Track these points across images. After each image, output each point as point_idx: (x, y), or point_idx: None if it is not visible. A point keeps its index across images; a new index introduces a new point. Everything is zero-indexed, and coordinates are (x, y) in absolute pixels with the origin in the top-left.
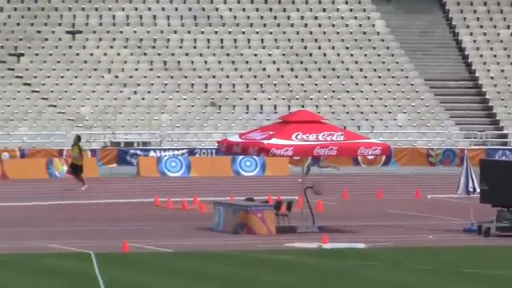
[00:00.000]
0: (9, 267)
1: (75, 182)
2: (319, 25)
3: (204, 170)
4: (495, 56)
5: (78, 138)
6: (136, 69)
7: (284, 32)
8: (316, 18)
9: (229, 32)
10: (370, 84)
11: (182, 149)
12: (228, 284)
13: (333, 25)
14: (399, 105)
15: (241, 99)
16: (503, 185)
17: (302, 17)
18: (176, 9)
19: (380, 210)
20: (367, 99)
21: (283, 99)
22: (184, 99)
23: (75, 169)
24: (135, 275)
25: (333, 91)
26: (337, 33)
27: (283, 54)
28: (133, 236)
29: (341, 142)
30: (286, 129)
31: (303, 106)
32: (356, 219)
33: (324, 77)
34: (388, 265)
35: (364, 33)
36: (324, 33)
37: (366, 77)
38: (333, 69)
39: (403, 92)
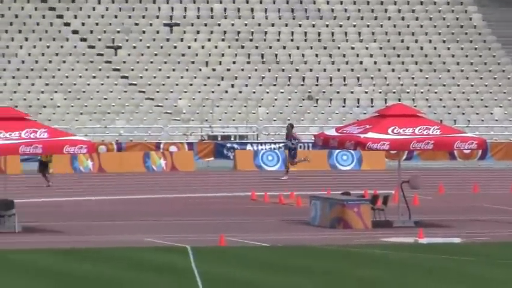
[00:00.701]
0: (105, 261)
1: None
2: (416, 18)
3: (300, 164)
4: None
5: None
6: (233, 62)
7: (381, 25)
8: (413, 11)
9: (327, 25)
10: (467, 78)
11: (279, 142)
12: (324, 278)
13: (430, 18)
14: (495, 99)
15: (338, 92)
16: None
17: (399, 10)
18: (274, 2)
19: (476, 205)
20: (463, 93)
21: (380, 92)
22: (282, 92)
23: (43, 166)
24: (231, 269)
25: (430, 85)
26: (434, 26)
27: (380, 48)
28: (230, 230)
29: (437, 136)
30: (383, 123)
31: (399, 100)
32: (452, 214)
33: (421, 70)
34: (484, 260)
35: (461, 26)
36: (421, 26)
37: (462, 70)
38: (430, 63)
39: (499, 85)
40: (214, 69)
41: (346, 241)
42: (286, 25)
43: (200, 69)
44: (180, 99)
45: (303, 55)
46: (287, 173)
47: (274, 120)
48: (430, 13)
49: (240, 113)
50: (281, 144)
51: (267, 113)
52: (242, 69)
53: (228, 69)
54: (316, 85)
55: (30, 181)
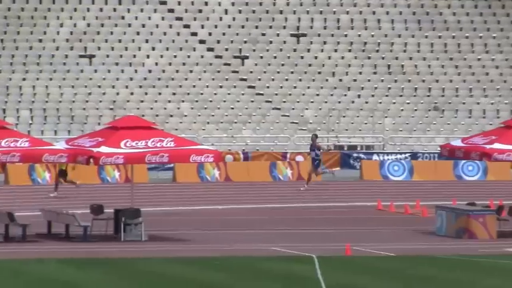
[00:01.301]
0: (231, 270)
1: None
2: None
3: (426, 174)
4: None
5: None
6: (360, 73)
7: (507, 37)
8: None
9: (453, 37)
10: None
11: (405, 152)
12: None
13: None
14: None
15: (464, 103)
16: None
17: None
18: (400, 13)
19: None
20: None
21: (506, 103)
22: (408, 103)
23: (63, 174)
24: (356, 279)
25: None
26: None
27: (506, 59)
28: (356, 239)
29: None
30: (508, 134)
31: None
32: None
33: None
34: None
35: None
36: None
37: None
38: None
39: None
40: (340, 80)
41: (471, 251)
42: (413, 36)
43: (327, 80)
44: (307, 109)
45: (429, 66)
46: (307, 184)
47: (400, 131)
48: None
49: (366, 123)
50: (407, 155)
51: (393, 124)
52: (368, 80)
53: (355, 80)
54: (442, 96)
55: (157, 190)
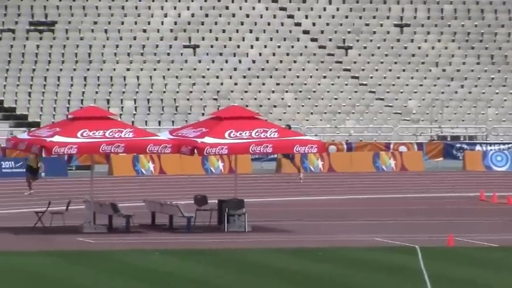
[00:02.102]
0: (334, 260)
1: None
2: None
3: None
4: None
5: None
6: (463, 63)
7: None
8: None
9: None
10: None
11: (508, 143)
12: None
13: None
14: None
15: None
16: None
17: None
18: (504, 3)
19: None
20: None
21: None
22: (511, 93)
23: (32, 172)
24: (460, 270)
25: None
26: None
27: None
28: (459, 230)
29: None
30: None
31: None
32: None
33: None
34: None
35: None
36: None
37: None
38: None
39: None
40: (444, 70)
41: None
42: None
43: (430, 70)
44: (410, 99)
45: None
46: (300, 173)
47: (504, 121)
48: None
49: (469, 114)
50: (510, 145)
51: (496, 114)
52: (472, 70)
53: (458, 70)
54: None
55: (260, 180)
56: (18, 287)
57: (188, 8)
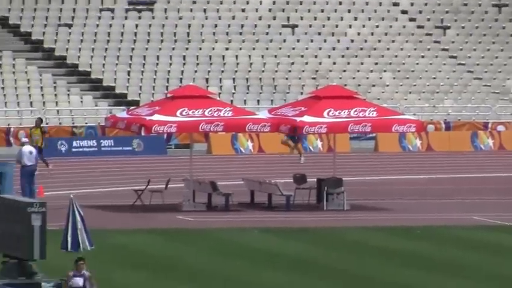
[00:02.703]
0: (430, 239)
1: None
2: None
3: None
4: None
5: (40, 121)
6: None
7: None
8: None
9: None
10: None
11: None
12: None
13: None
14: None
15: None
16: None
17: None
18: None
19: None
20: None
21: None
22: None
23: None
24: None
25: None
26: None
27: None
28: None
29: None
30: None
31: None
32: None
33: None
34: None
35: None
36: None
37: None
38: None
39: None
40: None
41: None
42: None
43: None
44: (508, 79)
45: None
46: (301, 156)
47: None
48: None
49: None
50: None
51: None
52: None
53: None
54: None
55: (358, 159)
56: (119, 264)
57: None
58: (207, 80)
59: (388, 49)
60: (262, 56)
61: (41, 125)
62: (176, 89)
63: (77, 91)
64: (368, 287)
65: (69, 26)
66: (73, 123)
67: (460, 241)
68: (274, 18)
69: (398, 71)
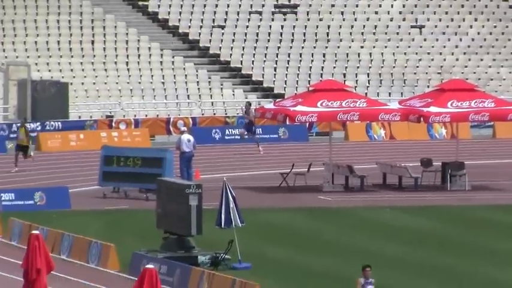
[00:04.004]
0: None
1: (15, 162)
2: None
3: None
4: None
5: (24, 120)
6: None
7: None
8: None
9: None
10: None
11: None
12: None
13: None
14: None
15: None
16: None
17: None
18: None
19: None
20: None
21: None
22: None
23: (22, 150)
24: None
25: None
26: None
27: None
28: None
29: None
30: None
31: None
32: None
33: None
34: None
35: None
36: None
37: None
38: None
39: None
40: None
41: None
42: None
43: None
44: None
45: None
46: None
47: None
48: None
49: None
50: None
51: None
52: None
53: None
54: None
55: (478, 145)
56: (267, 239)
57: None
58: (344, 75)
59: (504, 47)
60: (393, 54)
61: (25, 125)
62: (317, 83)
63: (229, 85)
64: (489, 257)
65: (222, 27)
66: (226, 114)
67: None
68: (404, 19)
69: None
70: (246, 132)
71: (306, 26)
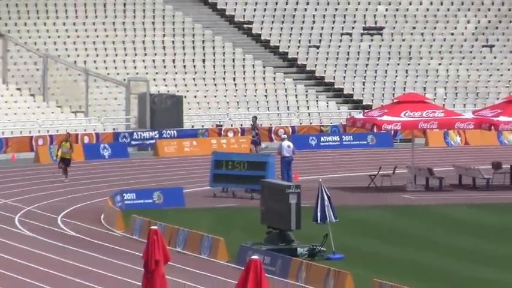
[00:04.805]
0: None
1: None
2: None
3: None
4: None
5: (69, 135)
6: None
7: None
8: None
9: None
10: None
11: None
12: None
13: None
14: None
15: None
16: None
17: None
18: None
19: None
20: None
21: None
22: None
23: (66, 163)
24: None
25: None
26: None
27: None
28: None
29: None
30: None
31: None
32: None
33: None
34: None
35: None
36: None
37: None
38: None
39: None
40: None
41: None
42: None
43: None
44: None
45: None
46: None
47: None
48: None
49: None
50: None
51: None
52: None
53: None
54: None
55: None
56: (358, 233)
57: (486, 16)
58: (424, 88)
59: None
60: (467, 70)
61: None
62: (400, 96)
63: (324, 98)
64: None
65: (317, 47)
66: (321, 123)
67: None
68: (476, 40)
69: None
70: (255, 147)
71: (390, 46)
